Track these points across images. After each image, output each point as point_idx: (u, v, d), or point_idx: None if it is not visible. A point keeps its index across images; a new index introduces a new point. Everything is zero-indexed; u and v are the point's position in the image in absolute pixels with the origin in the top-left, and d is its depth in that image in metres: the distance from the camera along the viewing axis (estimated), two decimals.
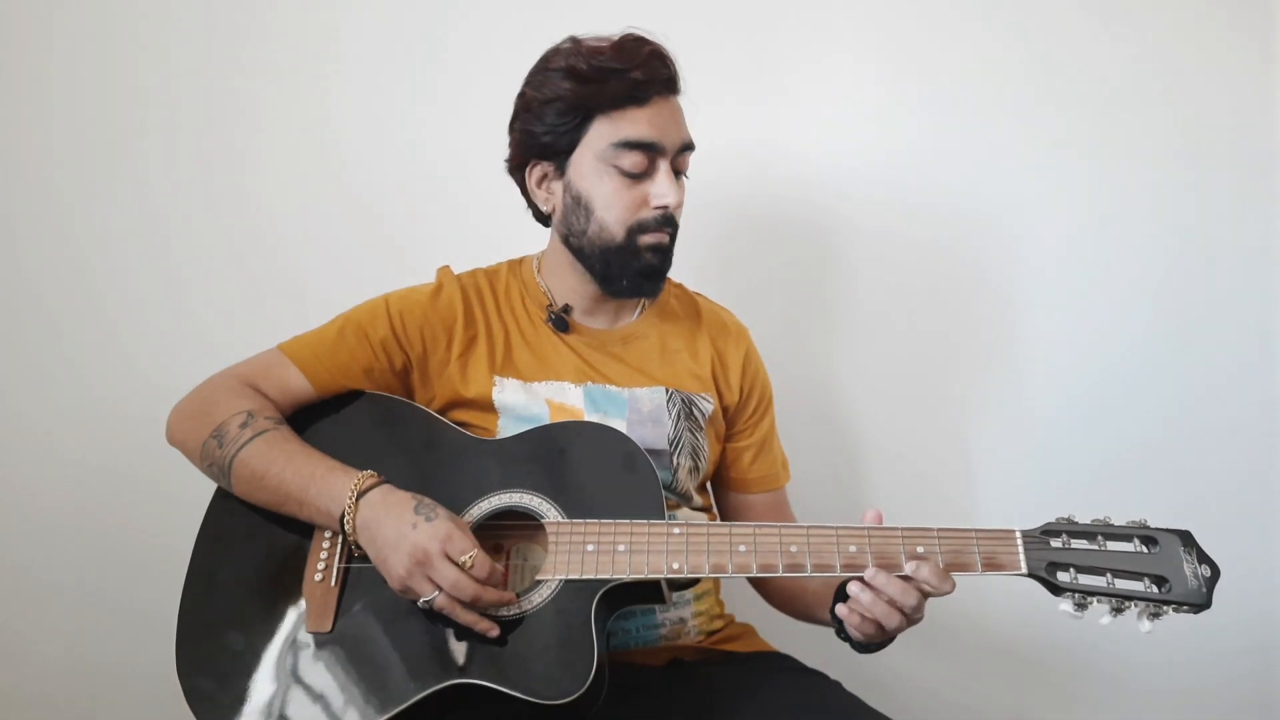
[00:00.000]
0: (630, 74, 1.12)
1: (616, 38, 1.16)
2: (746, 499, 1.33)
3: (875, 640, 1.05)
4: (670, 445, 1.20)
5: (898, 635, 1.04)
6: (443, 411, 1.21)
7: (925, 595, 1.00)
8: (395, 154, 1.71)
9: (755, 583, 1.31)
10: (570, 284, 1.24)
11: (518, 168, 1.23)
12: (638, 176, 1.15)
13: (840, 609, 1.03)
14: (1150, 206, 1.70)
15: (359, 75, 1.70)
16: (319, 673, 1.03)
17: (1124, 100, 1.69)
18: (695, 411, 1.24)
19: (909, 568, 0.99)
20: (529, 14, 1.62)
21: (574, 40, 1.17)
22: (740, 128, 1.69)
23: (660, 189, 1.15)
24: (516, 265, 1.31)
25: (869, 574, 0.99)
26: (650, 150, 1.14)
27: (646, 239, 1.16)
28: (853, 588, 1.00)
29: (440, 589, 0.99)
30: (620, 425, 1.17)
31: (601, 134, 1.15)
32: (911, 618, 1.01)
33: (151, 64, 1.69)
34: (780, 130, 1.71)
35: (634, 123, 1.13)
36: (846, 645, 1.09)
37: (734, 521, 1.05)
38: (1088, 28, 1.68)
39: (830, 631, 1.11)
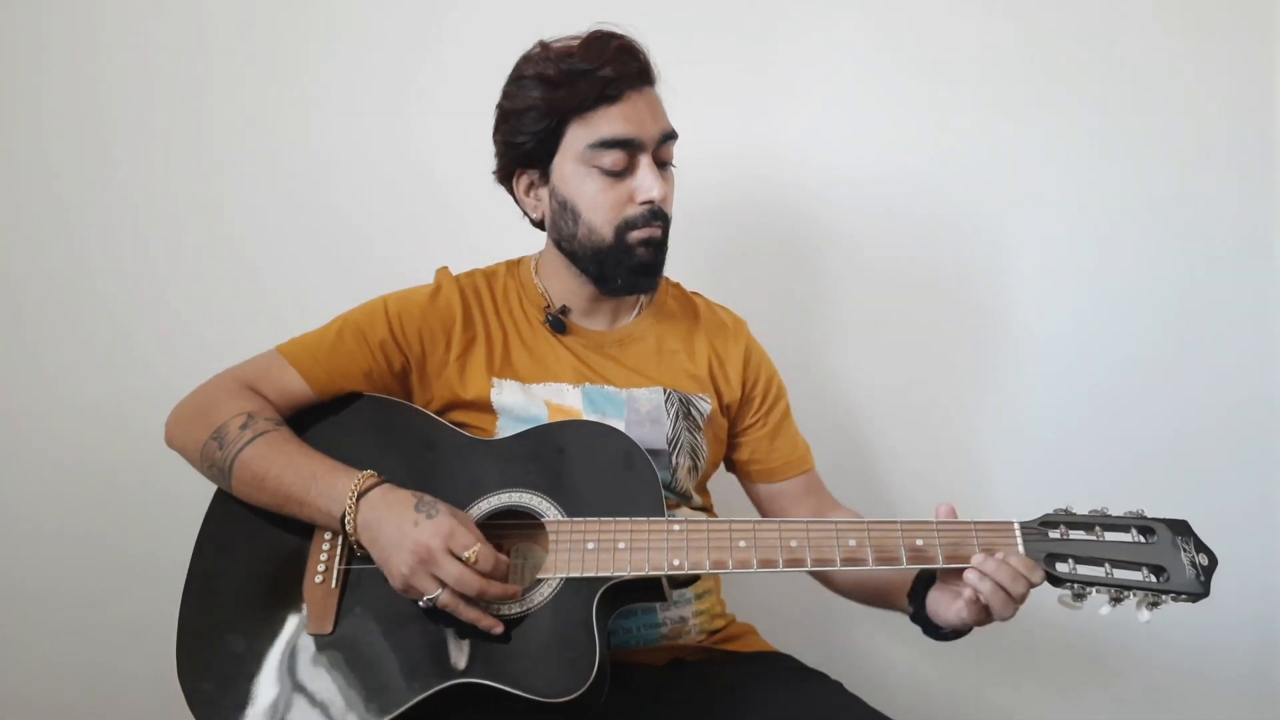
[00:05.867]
0: (599, 73, 1.11)
1: (584, 36, 1.15)
2: (778, 488, 1.32)
3: (966, 628, 1.03)
4: (669, 445, 1.20)
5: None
6: (441, 413, 1.21)
7: (1031, 584, 0.98)
8: (393, 154, 1.71)
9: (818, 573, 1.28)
10: (567, 285, 1.25)
11: (505, 178, 1.24)
12: (620, 174, 1.15)
13: (958, 606, 1.01)
14: (1150, 204, 1.70)
15: (358, 76, 1.71)
16: (320, 675, 1.02)
17: (1123, 100, 1.69)
18: (693, 411, 1.24)
19: (999, 555, 0.97)
20: (524, 12, 1.63)
21: (542, 45, 1.17)
22: (737, 128, 1.70)
23: (644, 183, 1.15)
24: (514, 266, 1.31)
25: (977, 559, 0.98)
26: (628, 146, 1.14)
27: (636, 235, 1.16)
28: (970, 576, 0.98)
29: (444, 585, 0.98)
30: (619, 425, 1.16)
31: (578, 136, 1.14)
32: (1019, 606, 0.99)
33: (151, 63, 1.70)
34: (777, 130, 1.72)
35: (609, 121, 1.13)
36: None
37: (734, 518, 1.05)
38: (1086, 27, 1.69)
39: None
